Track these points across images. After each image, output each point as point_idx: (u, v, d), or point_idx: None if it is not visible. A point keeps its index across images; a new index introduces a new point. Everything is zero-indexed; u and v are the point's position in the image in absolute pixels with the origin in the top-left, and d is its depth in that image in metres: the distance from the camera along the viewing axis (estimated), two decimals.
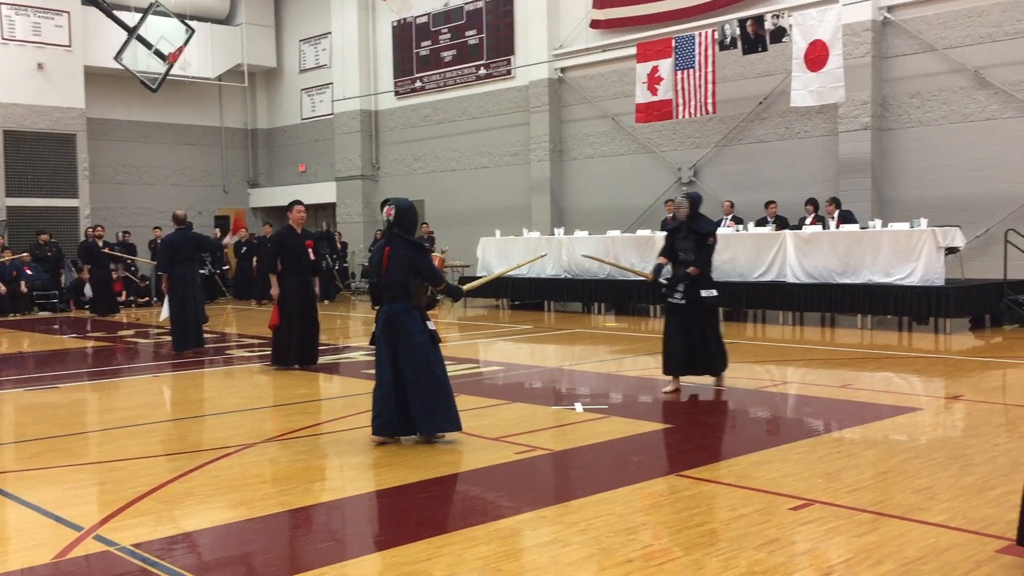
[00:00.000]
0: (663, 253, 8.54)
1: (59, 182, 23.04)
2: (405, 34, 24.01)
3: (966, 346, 11.71)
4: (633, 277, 14.50)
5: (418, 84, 23.81)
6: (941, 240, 12.90)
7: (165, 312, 12.34)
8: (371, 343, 6.76)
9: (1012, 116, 14.63)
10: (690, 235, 8.29)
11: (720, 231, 15.63)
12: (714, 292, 8.41)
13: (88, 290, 19.76)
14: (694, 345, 8.30)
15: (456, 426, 6.62)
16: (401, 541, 4.45)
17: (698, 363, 8.39)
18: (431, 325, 6.63)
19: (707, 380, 8.70)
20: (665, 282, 8.41)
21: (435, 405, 6.51)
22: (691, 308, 8.26)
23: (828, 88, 15.38)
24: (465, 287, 7.60)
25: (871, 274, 13.40)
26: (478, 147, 22.63)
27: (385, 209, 6.68)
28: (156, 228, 22.96)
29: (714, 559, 4.10)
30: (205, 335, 12.65)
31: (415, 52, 23.80)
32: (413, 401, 6.48)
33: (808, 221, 15.12)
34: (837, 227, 14.36)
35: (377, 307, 6.76)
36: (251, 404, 8.52)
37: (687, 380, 8.64)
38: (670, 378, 8.49)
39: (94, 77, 23.73)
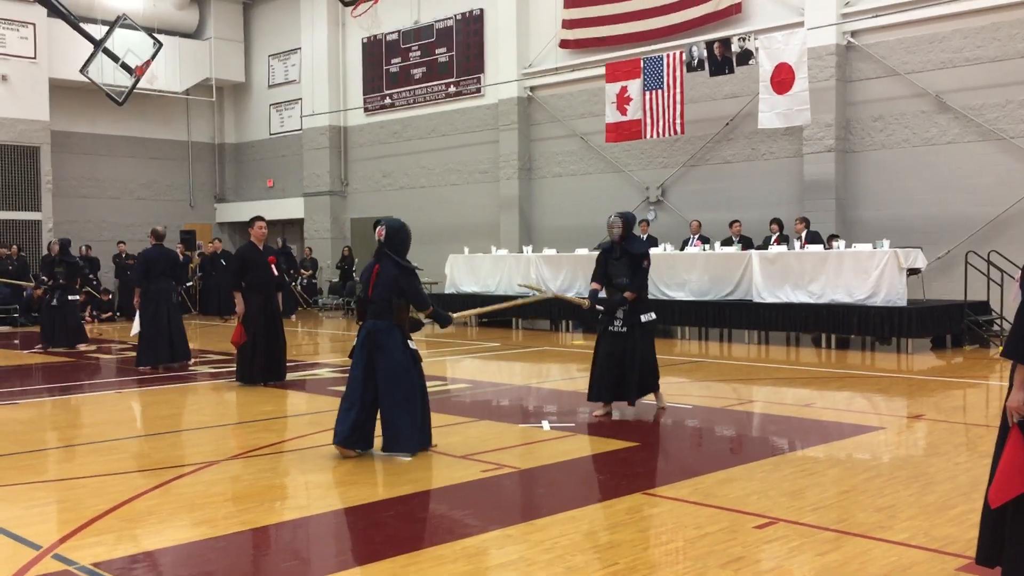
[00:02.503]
0: (596, 278, 8.19)
1: (22, 195, 22.75)
2: (375, 51, 24.02)
3: (927, 366, 11.87)
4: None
5: (388, 101, 23.82)
6: (903, 261, 13.11)
7: (136, 327, 12.14)
8: (349, 355, 6.80)
9: (972, 140, 14.91)
10: (623, 256, 8.04)
11: (688, 250, 15.96)
12: (652, 315, 8.16)
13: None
14: (626, 371, 7.99)
15: (423, 446, 6.67)
16: (366, 560, 4.42)
17: (626, 388, 8.04)
18: (412, 344, 6.68)
19: (648, 399, 8.39)
20: (602, 308, 8.13)
21: (401, 425, 6.54)
22: (629, 334, 8.01)
23: (794, 110, 15.60)
24: (455, 315, 7.33)
25: (834, 294, 13.57)
26: (447, 164, 22.65)
27: (377, 229, 6.76)
28: (120, 243, 22.73)
29: None
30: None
31: (385, 69, 23.81)
32: (383, 417, 6.55)
33: (772, 240, 15.29)
34: (803, 246, 14.53)
35: (361, 322, 6.80)
36: (215, 421, 8.43)
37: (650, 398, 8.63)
38: (599, 403, 8.20)
39: (59, 89, 23.49)
